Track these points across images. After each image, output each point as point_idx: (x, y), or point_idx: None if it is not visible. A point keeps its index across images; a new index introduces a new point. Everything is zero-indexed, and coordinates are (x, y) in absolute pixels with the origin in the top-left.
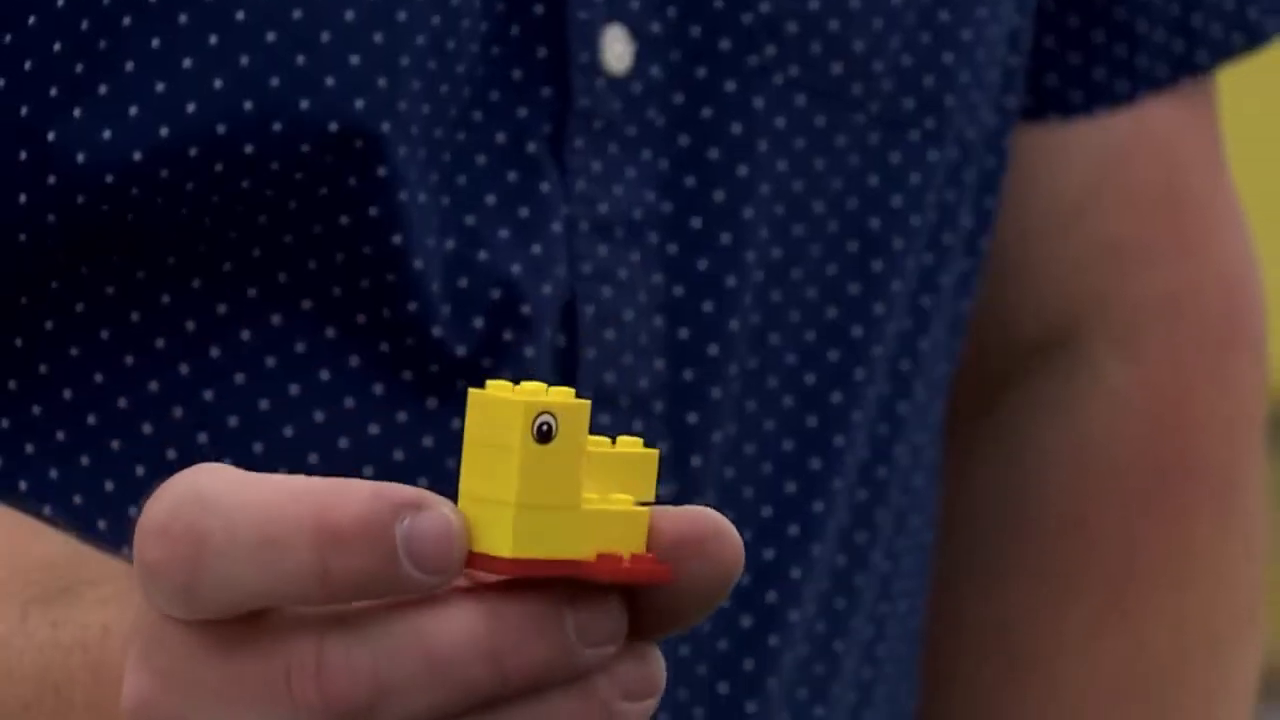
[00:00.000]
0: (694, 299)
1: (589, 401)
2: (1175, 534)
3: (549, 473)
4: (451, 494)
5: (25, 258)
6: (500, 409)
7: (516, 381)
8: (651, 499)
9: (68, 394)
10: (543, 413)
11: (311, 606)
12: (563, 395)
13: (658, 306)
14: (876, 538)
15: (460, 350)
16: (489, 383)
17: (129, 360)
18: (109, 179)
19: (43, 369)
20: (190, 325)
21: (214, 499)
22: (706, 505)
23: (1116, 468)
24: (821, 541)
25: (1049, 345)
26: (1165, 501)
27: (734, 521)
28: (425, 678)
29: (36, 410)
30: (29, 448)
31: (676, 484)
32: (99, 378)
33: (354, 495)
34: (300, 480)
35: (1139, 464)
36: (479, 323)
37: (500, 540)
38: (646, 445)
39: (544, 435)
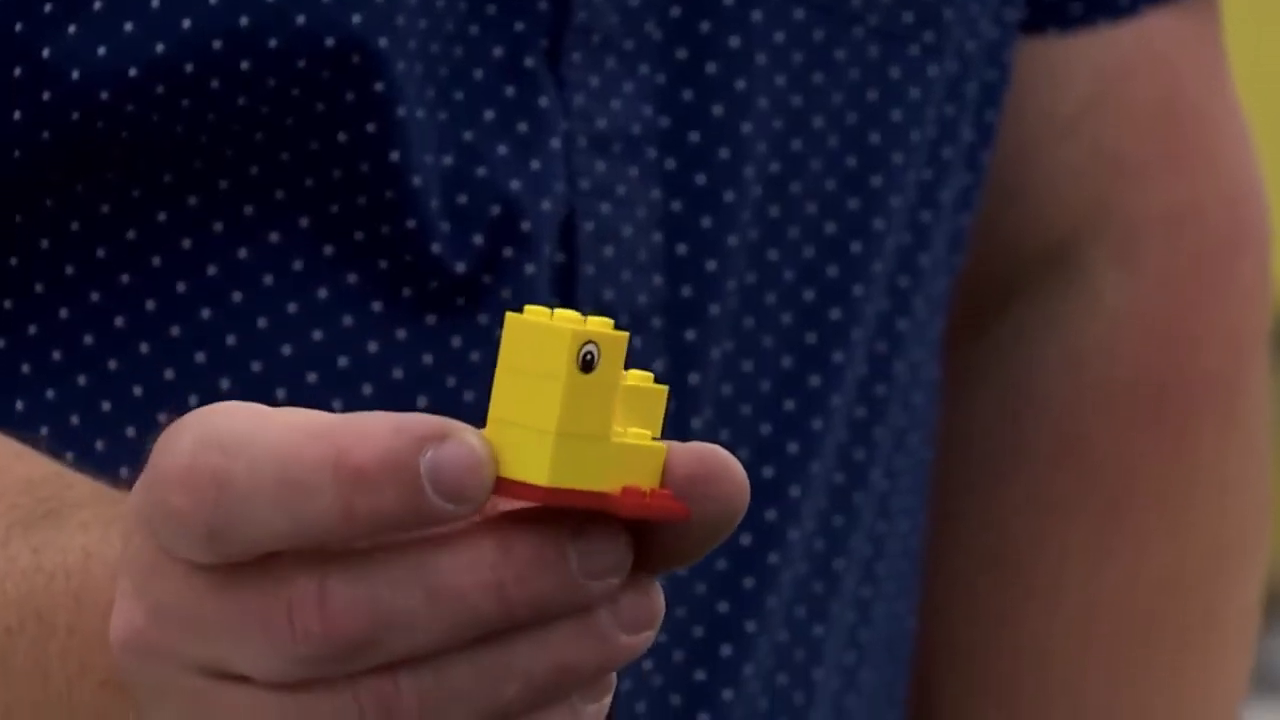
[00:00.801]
0: (692, 214)
1: (627, 334)
2: (1177, 449)
3: (588, 403)
4: (452, 413)
5: (20, 175)
6: (544, 336)
7: (519, 304)
8: (659, 434)
9: (64, 313)
10: (588, 342)
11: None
12: (603, 325)
13: (656, 222)
14: (875, 455)
15: (459, 267)
16: (527, 308)
17: (126, 279)
18: (104, 96)
19: (39, 288)
20: (187, 243)
21: (234, 442)
22: (705, 424)
23: (1116, 384)
24: (820, 459)
25: (1047, 262)
26: (1166, 417)
27: (732, 440)
28: (427, 610)
29: (33, 330)
30: (25, 368)
31: (674, 401)
32: (96, 297)
33: (375, 431)
34: (320, 418)
35: (1139, 379)
36: (478, 239)
37: (536, 468)
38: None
39: (587, 365)
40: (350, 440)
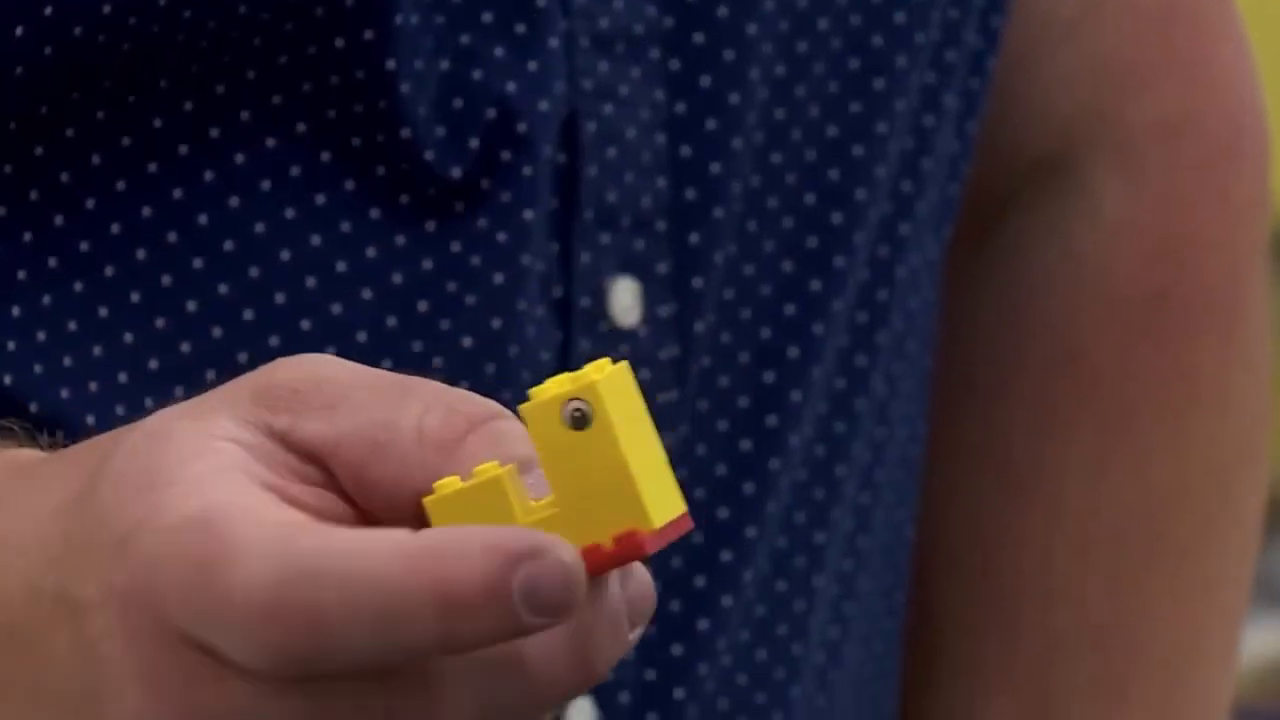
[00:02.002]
0: (697, 116)
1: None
2: (1176, 360)
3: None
4: (452, 317)
5: (20, 89)
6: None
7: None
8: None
9: (59, 220)
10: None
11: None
12: (597, 369)
13: (660, 124)
14: (876, 361)
15: (455, 172)
16: (535, 392)
17: (121, 185)
18: (106, 9)
19: (34, 195)
20: (184, 150)
21: (324, 571)
22: (707, 328)
23: (1114, 293)
24: (821, 364)
25: (1045, 170)
26: (1165, 327)
27: (732, 344)
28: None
29: (28, 237)
30: (21, 274)
31: (677, 304)
32: (90, 203)
33: (470, 557)
34: (416, 545)
35: (1137, 289)
36: (474, 143)
37: (641, 515)
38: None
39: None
40: (449, 571)
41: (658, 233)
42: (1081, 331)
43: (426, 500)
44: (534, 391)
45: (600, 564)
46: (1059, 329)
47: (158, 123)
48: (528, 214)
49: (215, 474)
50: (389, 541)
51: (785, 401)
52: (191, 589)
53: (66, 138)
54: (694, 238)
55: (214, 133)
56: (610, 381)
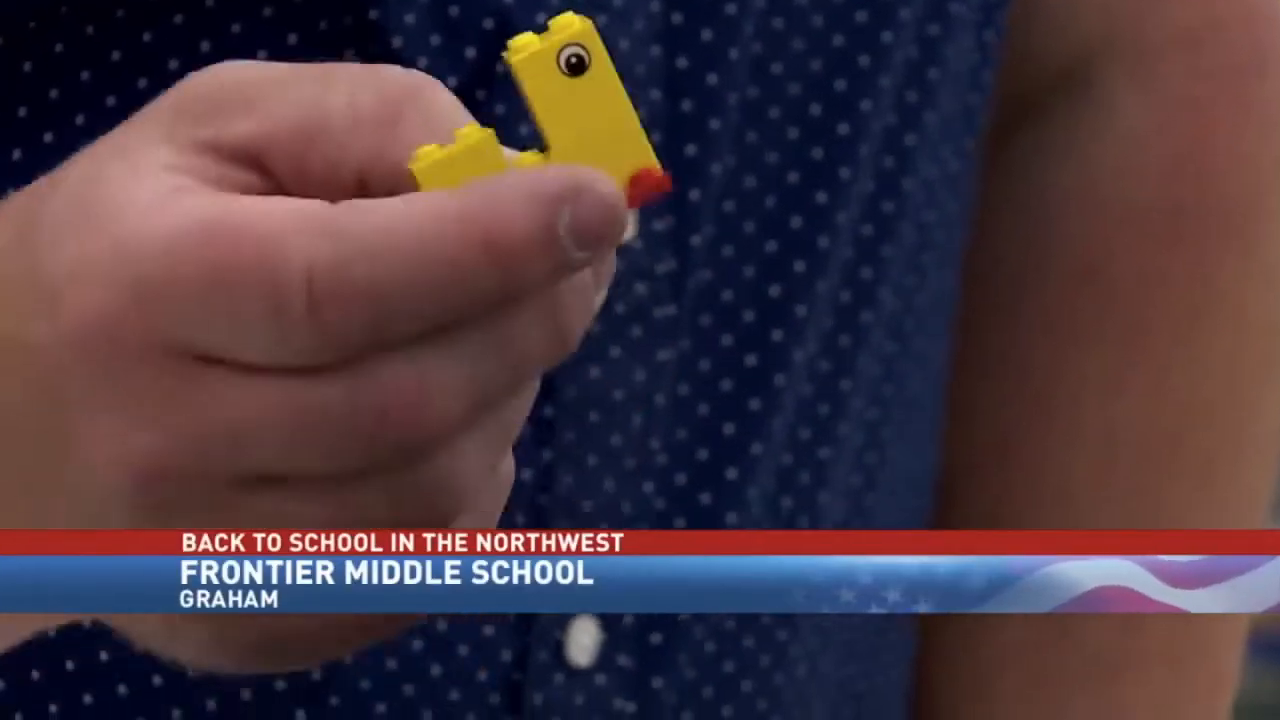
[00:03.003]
0: (693, 27)
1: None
2: (1195, 275)
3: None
4: None
5: (6, 4)
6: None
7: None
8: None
9: (49, 138)
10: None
11: None
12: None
13: (655, 35)
14: (883, 275)
15: (451, 81)
16: (513, 42)
17: (111, 101)
18: None
19: (23, 112)
20: (174, 64)
21: (384, 246)
22: (705, 241)
23: (1133, 208)
24: (826, 277)
25: (1063, 81)
26: (1184, 241)
27: (734, 258)
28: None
29: (17, 155)
30: (10, 192)
31: (674, 217)
32: (80, 120)
33: (514, 208)
34: (455, 206)
35: (1156, 203)
36: (471, 53)
37: (642, 155)
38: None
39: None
40: (498, 221)
41: (653, 145)
42: (1099, 245)
43: (415, 168)
44: (515, 45)
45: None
46: (1077, 242)
47: (148, 37)
48: (523, 128)
49: (170, 194)
50: (433, 204)
51: (790, 315)
52: (211, 296)
53: (56, 53)
54: (690, 150)
55: (205, 46)
56: (598, 34)
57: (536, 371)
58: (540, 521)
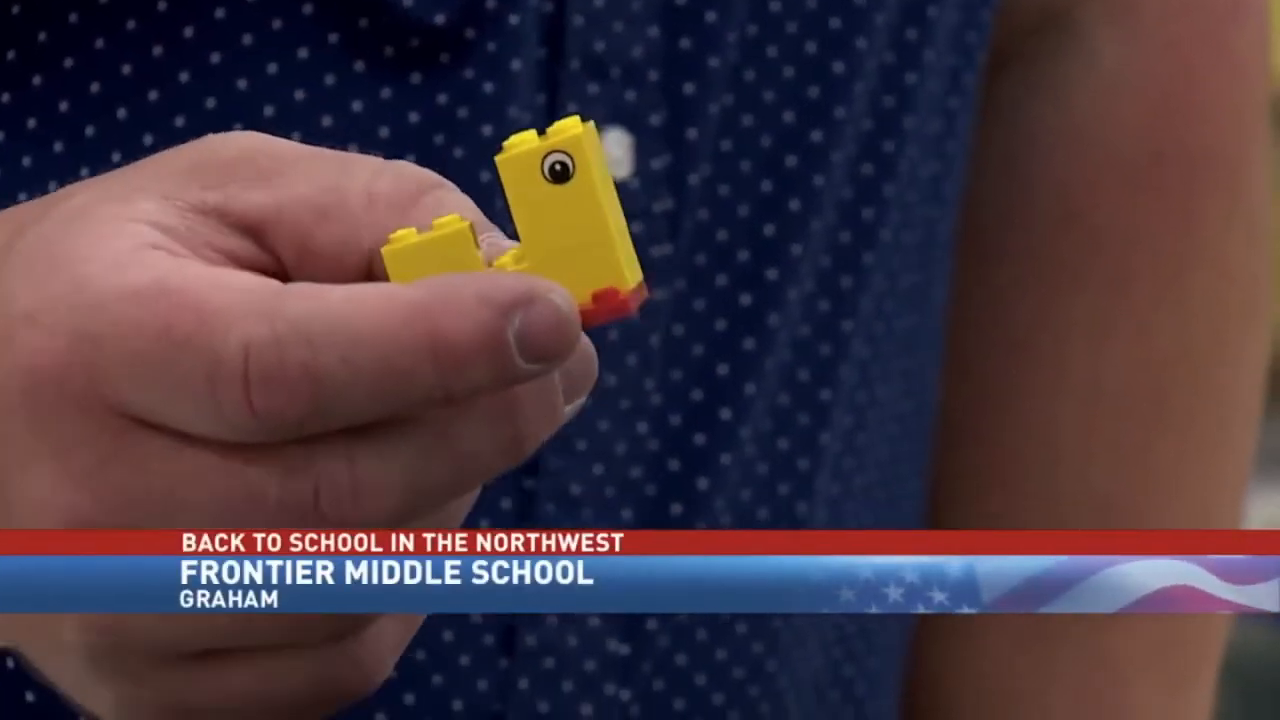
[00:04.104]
0: None
1: (590, 125)
2: (1178, 222)
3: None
4: (441, 169)
5: None
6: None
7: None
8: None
9: (37, 80)
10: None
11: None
12: (570, 125)
13: None
14: (883, 216)
15: (439, 18)
16: (509, 142)
17: (100, 43)
18: None
19: (10, 55)
20: (163, 5)
21: (322, 333)
22: (702, 180)
23: (1114, 152)
24: (821, 216)
25: (1044, 24)
26: (1166, 187)
27: (730, 196)
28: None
29: (6, 98)
30: None
31: (671, 156)
32: (69, 62)
33: (464, 308)
34: (408, 299)
35: (1137, 148)
36: None
37: (614, 275)
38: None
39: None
40: (444, 322)
41: (650, 83)
42: (1081, 190)
43: (385, 250)
44: (508, 144)
45: (581, 320)
46: (1059, 187)
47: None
48: (515, 64)
49: (138, 250)
50: (382, 296)
51: (785, 254)
52: (152, 360)
53: (70, 23)
54: (688, 88)
55: (219, 13)
56: (589, 137)
57: (485, 476)
58: (534, 461)
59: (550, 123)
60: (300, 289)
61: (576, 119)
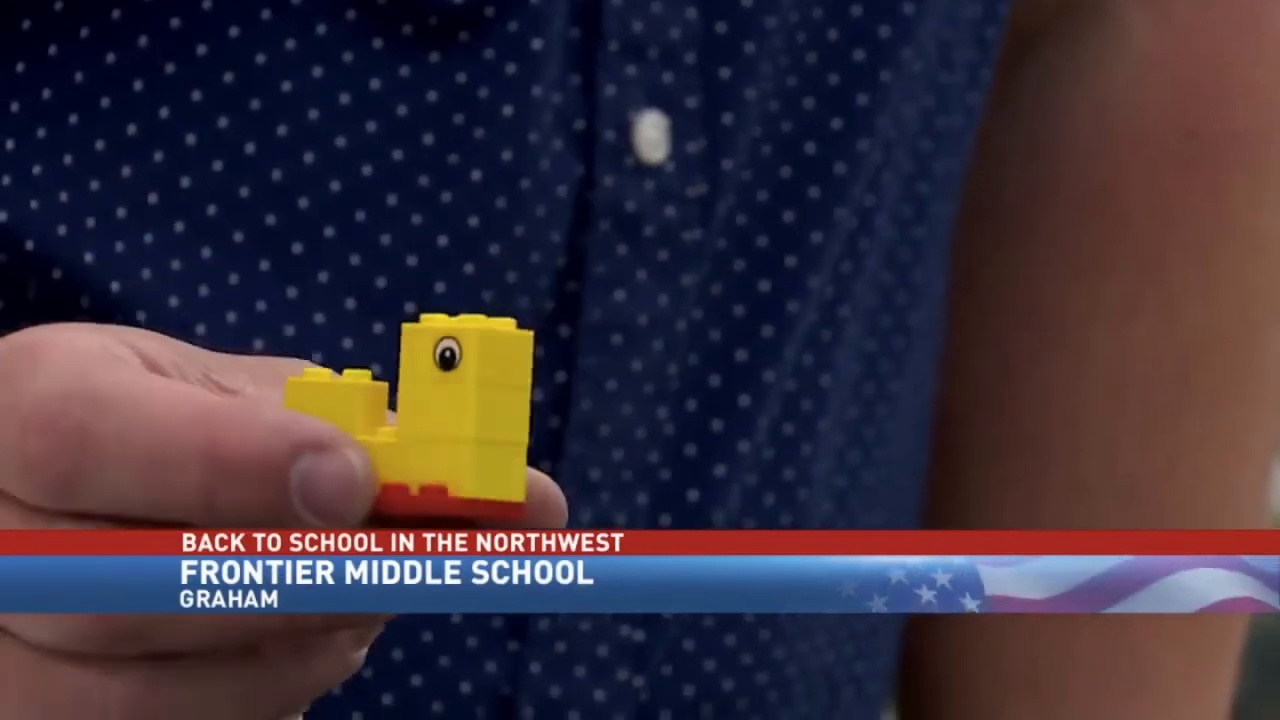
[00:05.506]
0: None
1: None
2: (1207, 202)
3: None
4: (460, 151)
5: None
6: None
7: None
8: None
9: (53, 50)
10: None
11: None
12: (504, 324)
13: None
14: (881, 202)
15: None
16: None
17: (116, 14)
18: None
19: (26, 25)
20: (207, 4)
21: (111, 403)
22: (736, 166)
23: (1144, 133)
24: (844, 205)
25: (1072, 5)
26: (1196, 167)
27: (751, 181)
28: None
29: (21, 68)
30: (15, 107)
31: (705, 139)
32: (85, 33)
33: (254, 426)
34: (206, 401)
35: (1167, 128)
36: None
37: (459, 475)
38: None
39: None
40: (228, 430)
41: (687, 66)
42: (1110, 169)
43: (290, 379)
44: (424, 318)
45: (397, 504)
46: (1087, 168)
47: None
48: (536, 43)
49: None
50: (182, 394)
51: (806, 242)
52: None
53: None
54: (725, 72)
55: None
56: (496, 340)
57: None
58: (555, 444)
59: (587, 102)
60: (122, 363)
61: (512, 322)
